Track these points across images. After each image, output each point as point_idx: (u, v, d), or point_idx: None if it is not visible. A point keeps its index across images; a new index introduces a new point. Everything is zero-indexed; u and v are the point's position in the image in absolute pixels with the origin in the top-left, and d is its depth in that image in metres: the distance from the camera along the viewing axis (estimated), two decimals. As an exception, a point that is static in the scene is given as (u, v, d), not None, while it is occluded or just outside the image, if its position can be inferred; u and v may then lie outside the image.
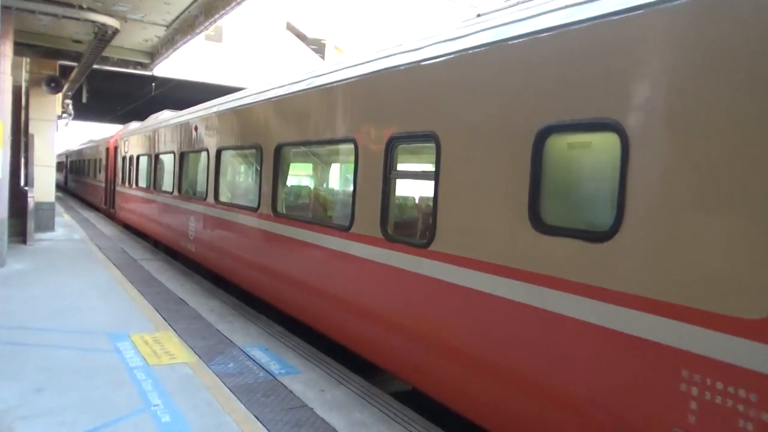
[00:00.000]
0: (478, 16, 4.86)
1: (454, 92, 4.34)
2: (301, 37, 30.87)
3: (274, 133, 7.36)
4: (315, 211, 7.43)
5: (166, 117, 13.94)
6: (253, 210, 7.72)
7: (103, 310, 6.89)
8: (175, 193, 11.57)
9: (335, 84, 5.98)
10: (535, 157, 3.62)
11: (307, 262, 6.34)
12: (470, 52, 4.20)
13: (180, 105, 13.11)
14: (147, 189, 14.03)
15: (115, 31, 9.62)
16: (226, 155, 9.51)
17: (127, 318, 6.62)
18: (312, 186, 8.41)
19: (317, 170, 8.60)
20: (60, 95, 15.82)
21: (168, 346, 5.64)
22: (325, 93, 6.17)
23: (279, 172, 7.18)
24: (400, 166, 5.09)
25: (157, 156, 13.39)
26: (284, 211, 7.27)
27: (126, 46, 12.77)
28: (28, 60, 13.96)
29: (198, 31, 9.94)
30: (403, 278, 4.81)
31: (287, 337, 6.21)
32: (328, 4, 30.39)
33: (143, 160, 15.05)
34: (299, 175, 8.61)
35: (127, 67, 13.51)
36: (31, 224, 11.97)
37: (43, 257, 10.51)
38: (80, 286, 8.15)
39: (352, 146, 5.68)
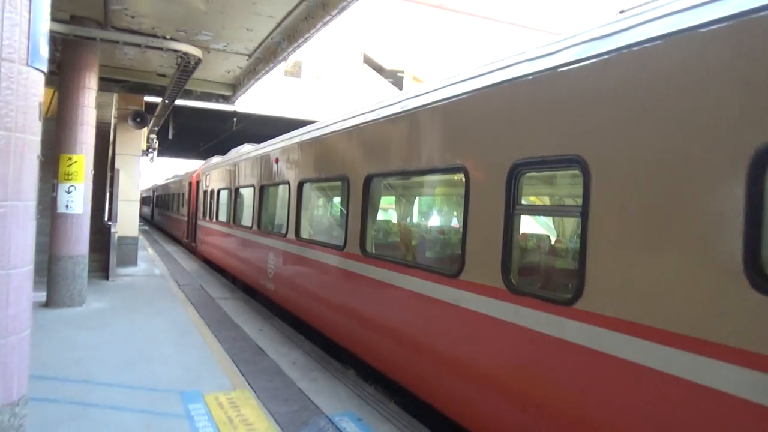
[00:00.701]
0: (621, 12, 3.88)
1: (610, 103, 3.33)
2: (379, 69, 30.74)
3: (362, 163, 6.57)
4: (412, 252, 6.52)
5: (246, 150, 13.68)
6: (339, 248, 6.93)
7: (177, 361, 6.23)
8: (254, 228, 11.07)
9: (437, 104, 5.11)
10: (754, 185, 2.54)
11: (403, 311, 5.41)
12: (637, 48, 3.19)
13: (260, 140, 12.79)
14: (226, 223, 13.72)
15: (198, 62, 9.31)
16: (309, 188, 8.85)
17: (201, 371, 5.91)
18: (408, 222, 7.51)
19: (415, 204, 7.71)
20: (145, 130, 16.00)
21: (245, 412, 4.82)
22: (425, 115, 5.31)
23: (368, 206, 6.36)
24: (529, 200, 4.11)
25: (236, 190, 13.07)
26: (374, 251, 6.41)
27: (209, 78, 12.63)
28: (116, 97, 14.19)
29: (281, 58, 9.48)
30: (536, 342, 3.76)
31: (382, 404, 5.25)
32: (404, 36, 30.12)
33: (223, 194, 14.83)
34: (393, 210, 7.74)
35: (209, 101, 13.40)
36: (113, 259, 11.82)
37: (122, 294, 10.20)
38: (155, 330, 7.60)
39: (460, 176, 4.76)
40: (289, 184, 9.15)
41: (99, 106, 21.06)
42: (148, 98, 15.54)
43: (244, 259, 11.90)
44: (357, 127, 6.79)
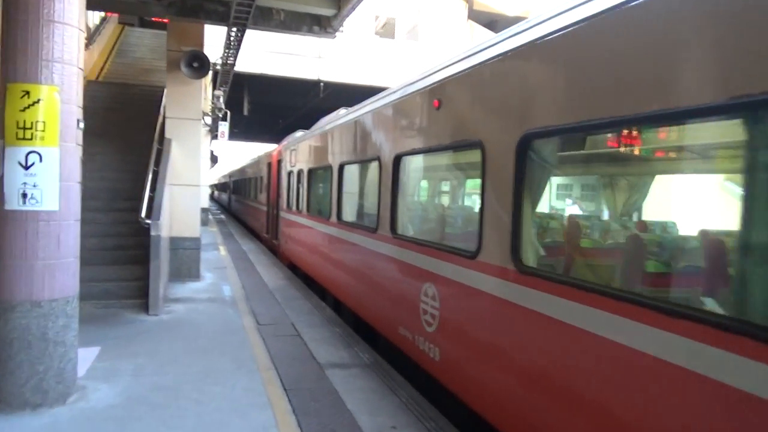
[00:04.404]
0: None
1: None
2: (489, 24, 25.20)
3: None
4: None
5: (351, 109, 8.85)
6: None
7: None
8: (383, 232, 6.21)
9: None
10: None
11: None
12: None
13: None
14: (325, 219, 9.00)
15: None
16: (552, 152, 3.89)
17: None
18: None
19: None
20: (207, 84, 11.51)
21: None
22: None
23: None
24: None
25: (341, 168, 8.27)
26: None
27: (299, -14, 7.85)
28: (167, 37, 9.75)
29: None
30: None
31: None
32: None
33: (319, 176, 10.14)
34: None
35: (299, 30, 8.63)
36: (154, 283, 7.33)
37: (159, 358, 5.64)
38: None
39: None
40: (483, 147, 4.20)
41: (153, 70, 16.98)
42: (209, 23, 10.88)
43: (361, 281, 7.14)
44: None
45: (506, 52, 3.97)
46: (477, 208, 4.46)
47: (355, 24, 24.00)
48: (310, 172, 10.57)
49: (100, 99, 14.20)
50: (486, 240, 4.16)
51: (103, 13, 20.49)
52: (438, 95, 5.06)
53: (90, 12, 18.65)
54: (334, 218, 8.48)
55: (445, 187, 6.42)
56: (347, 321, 7.85)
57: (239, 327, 6.93)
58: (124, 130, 12.44)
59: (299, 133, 13.71)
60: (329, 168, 8.87)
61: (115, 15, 23.11)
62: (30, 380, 4.12)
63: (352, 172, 8.21)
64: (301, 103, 26.35)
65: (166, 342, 6.13)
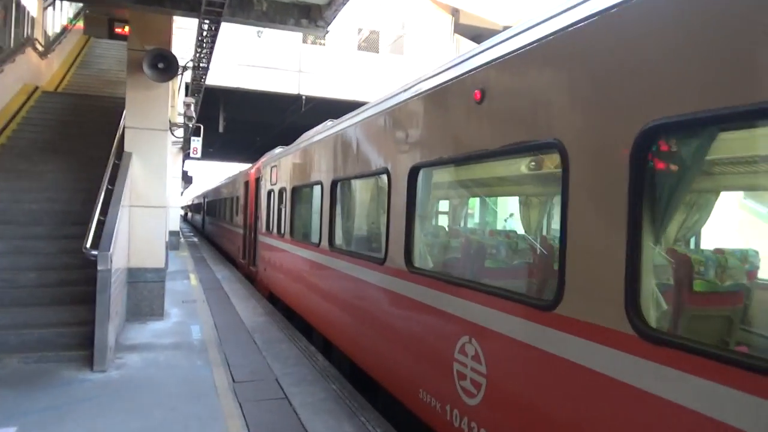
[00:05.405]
0: None
1: None
2: (476, 36, 24.24)
3: None
4: None
5: (345, 118, 7.45)
6: None
7: None
8: (395, 264, 4.82)
9: None
10: None
11: None
12: None
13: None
14: (313, 246, 7.58)
15: None
16: (691, 155, 2.57)
17: None
18: None
19: None
20: (176, 92, 10.06)
21: None
22: None
23: None
24: None
25: (335, 184, 6.86)
26: None
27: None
28: (129, 36, 8.33)
29: None
30: None
31: None
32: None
33: (306, 195, 8.76)
34: None
35: (285, 23, 7.28)
36: (103, 328, 5.81)
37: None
38: None
39: None
40: (562, 150, 2.89)
41: (119, 82, 15.42)
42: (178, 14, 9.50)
43: (361, 323, 5.72)
44: None
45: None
46: (552, 237, 3.14)
47: (337, 37, 22.87)
48: (295, 190, 9.17)
49: (55, 111, 12.68)
50: (573, 285, 2.83)
51: (64, 22, 18.99)
52: (481, 84, 3.74)
53: (49, 21, 17.16)
54: (325, 244, 7.07)
55: (491, 206, 5.10)
56: (338, 365, 6.46)
57: (209, 387, 5.42)
58: (80, 144, 10.94)
59: (281, 149, 12.29)
60: (319, 185, 7.48)
61: (80, 27, 21.67)
62: None
63: (349, 189, 6.84)
64: (279, 120, 25.01)
65: (110, 415, 4.60)
